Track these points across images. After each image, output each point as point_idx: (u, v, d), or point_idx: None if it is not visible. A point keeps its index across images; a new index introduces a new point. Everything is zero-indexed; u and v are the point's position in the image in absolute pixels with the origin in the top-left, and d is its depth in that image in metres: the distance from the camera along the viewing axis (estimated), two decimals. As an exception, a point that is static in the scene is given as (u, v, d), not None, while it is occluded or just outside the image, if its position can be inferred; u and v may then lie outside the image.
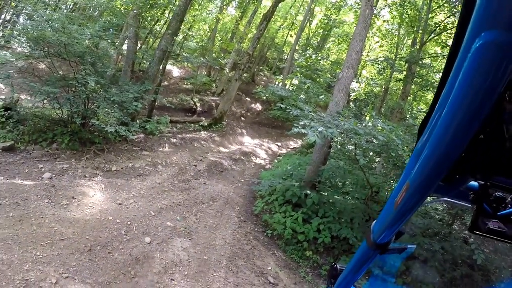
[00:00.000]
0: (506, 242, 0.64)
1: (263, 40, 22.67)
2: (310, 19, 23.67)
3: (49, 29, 9.12)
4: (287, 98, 11.61)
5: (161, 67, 12.69)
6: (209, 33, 24.28)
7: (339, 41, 20.41)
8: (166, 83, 17.53)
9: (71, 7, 21.77)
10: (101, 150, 9.19)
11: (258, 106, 19.96)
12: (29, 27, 9.67)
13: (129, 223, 5.75)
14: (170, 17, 14.03)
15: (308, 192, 7.82)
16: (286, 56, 30.30)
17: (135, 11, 12.69)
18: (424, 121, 0.77)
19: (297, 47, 23.60)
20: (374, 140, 6.75)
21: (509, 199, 0.67)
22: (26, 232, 4.68)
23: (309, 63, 15.30)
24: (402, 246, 1.10)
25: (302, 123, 6.23)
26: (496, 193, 0.67)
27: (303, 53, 24.44)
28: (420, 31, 14.21)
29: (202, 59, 17.78)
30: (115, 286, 4.21)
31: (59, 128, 9.40)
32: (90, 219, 5.60)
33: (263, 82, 24.64)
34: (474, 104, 0.53)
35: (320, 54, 19.60)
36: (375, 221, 1.07)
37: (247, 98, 19.52)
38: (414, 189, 0.72)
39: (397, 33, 17.20)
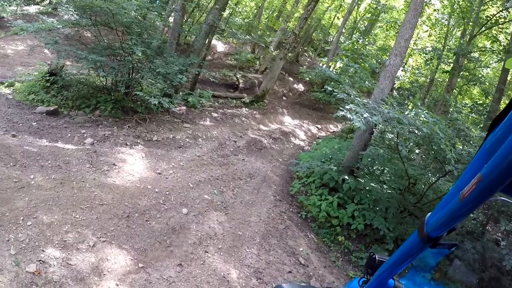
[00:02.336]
0: None
1: (309, 21, 22.07)
2: (359, 2, 22.90)
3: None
4: (335, 81, 11.30)
5: (206, 41, 12.64)
6: (255, 10, 24.01)
7: (387, 27, 19.64)
8: (210, 57, 17.49)
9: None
10: (143, 120, 9.31)
11: (300, 87, 19.65)
12: None
13: (167, 193, 5.80)
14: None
15: (346, 177, 7.62)
16: (331, 39, 29.60)
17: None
18: (499, 117, 0.76)
19: (343, 30, 22.95)
20: (417, 131, 6.45)
21: None
22: (67, 194, 4.79)
23: (355, 47, 14.83)
24: (453, 242, 1.06)
25: (348, 107, 6.01)
26: None
27: (350, 37, 23.79)
28: (470, 24, 13.55)
29: (247, 36, 17.63)
30: (151, 254, 4.26)
31: (103, 96, 9.59)
32: (130, 186, 5.69)
33: (307, 63, 24.19)
34: None
35: (367, 39, 18.97)
36: (429, 213, 1.04)
37: (290, 78, 19.22)
38: (487, 182, 0.71)
39: (446, 23, 16.44)
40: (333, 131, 15.29)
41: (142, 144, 7.93)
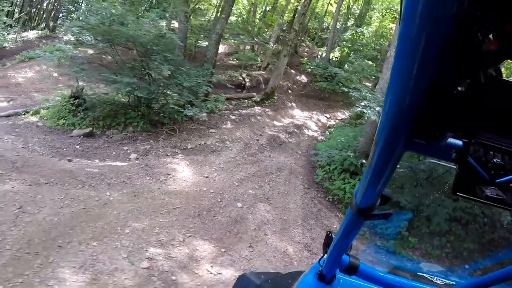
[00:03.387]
0: (503, 208, 0.62)
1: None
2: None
3: (114, 25, 10.37)
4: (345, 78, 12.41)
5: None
6: (248, 7, 24.94)
7: (383, 14, 20.70)
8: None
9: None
10: (172, 130, 10.51)
11: (303, 78, 20.77)
12: (93, 20, 10.76)
13: (220, 192, 7.07)
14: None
15: (364, 161, 8.87)
16: (326, 25, 30.63)
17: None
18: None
19: (338, 17, 23.98)
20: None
21: (508, 166, 0.63)
22: (144, 204, 6.04)
23: (354, 37, 16.00)
24: (387, 211, 1.03)
25: (363, 104, 7.26)
26: (490, 156, 0.63)
27: (345, 23, 24.84)
28: None
29: (252, 39, 18.78)
30: (226, 241, 5.53)
31: (131, 112, 10.72)
32: (189, 190, 6.96)
33: (305, 53, 25.26)
34: (418, 40, 0.47)
35: (364, 28, 20.04)
36: (357, 186, 1.03)
37: (292, 71, 20.24)
38: (381, 145, 0.70)
39: None
40: (342, 119, 16.43)
41: (180, 153, 9.17)
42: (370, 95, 8.07)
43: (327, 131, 13.88)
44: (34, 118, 11.12)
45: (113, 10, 10.56)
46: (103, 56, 13.52)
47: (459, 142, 0.69)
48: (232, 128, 11.72)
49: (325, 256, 1.54)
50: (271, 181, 8.33)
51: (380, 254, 6.83)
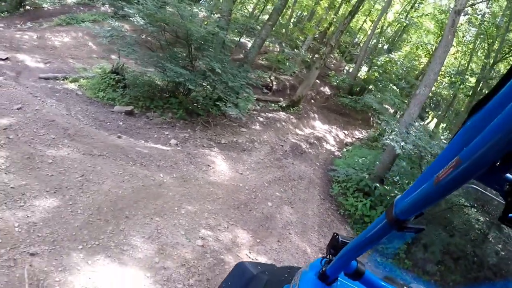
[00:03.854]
0: None
1: (337, 24, 23.93)
2: (388, 10, 24.62)
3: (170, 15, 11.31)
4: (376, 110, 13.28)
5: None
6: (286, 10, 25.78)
7: (416, 47, 21.60)
8: (241, 56, 19.53)
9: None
10: (207, 123, 11.56)
11: (327, 90, 21.82)
12: (152, 6, 11.58)
13: (254, 190, 8.21)
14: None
15: (377, 185, 9.99)
16: (356, 40, 31.60)
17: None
18: (481, 101, 0.77)
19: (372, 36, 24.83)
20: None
21: None
22: (193, 190, 7.16)
23: (386, 64, 17.08)
24: (420, 226, 1.07)
25: (391, 137, 8.39)
26: None
27: (377, 45, 25.73)
28: (495, 47, 15.37)
29: (277, 41, 19.74)
30: (260, 233, 6.67)
31: (171, 99, 11.68)
32: (228, 184, 8.11)
33: (332, 65, 26.29)
34: None
35: (397, 56, 20.99)
36: (399, 195, 1.08)
37: (317, 81, 21.15)
38: (466, 165, 0.72)
39: (472, 40, 18.24)
40: (359, 138, 17.52)
41: (216, 147, 10.27)
42: (396, 129, 9.20)
43: (344, 148, 14.99)
44: (73, 86, 11.91)
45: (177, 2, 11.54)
46: (149, 39, 14.42)
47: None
48: (260, 130, 12.84)
49: (329, 257, 1.66)
50: (293, 187, 9.45)
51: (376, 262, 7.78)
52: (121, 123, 10.18)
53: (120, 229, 5.24)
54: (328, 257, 1.68)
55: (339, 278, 1.72)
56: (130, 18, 13.54)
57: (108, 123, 9.93)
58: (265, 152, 11.14)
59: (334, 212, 9.55)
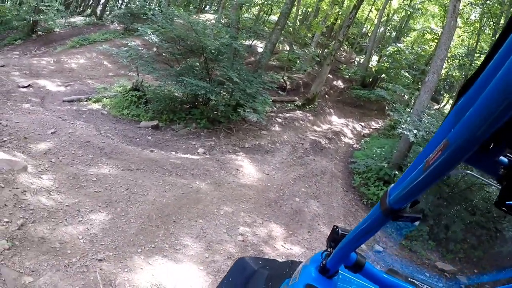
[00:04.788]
0: None
1: (343, 16, 24.46)
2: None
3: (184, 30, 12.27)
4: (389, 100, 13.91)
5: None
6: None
7: (424, 33, 22.03)
8: (252, 58, 20.25)
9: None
10: (229, 129, 12.44)
11: (340, 84, 22.52)
12: (167, 24, 12.51)
13: (281, 188, 9.07)
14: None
15: (396, 172, 10.72)
16: (364, 30, 32.14)
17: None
18: (469, 82, 0.73)
19: (379, 25, 25.30)
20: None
21: None
22: (228, 193, 8.06)
23: (395, 53, 17.75)
24: (416, 215, 1.03)
25: (404, 126, 9.14)
26: None
27: (385, 34, 26.25)
28: (501, 24, 15.74)
29: (286, 41, 20.47)
30: (291, 226, 7.52)
31: (194, 110, 12.58)
32: (257, 185, 8.98)
33: (343, 58, 26.93)
34: None
35: (406, 43, 21.53)
36: (392, 185, 1.07)
37: (329, 75, 21.63)
38: (454, 147, 0.69)
39: (477, 20, 18.52)
40: (376, 128, 18.13)
41: (241, 151, 11.15)
42: (409, 118, 9.94)
43: (362, 140, 15.67)
44: (97, 106, 12.90)
45: (190, 18, 12.48)
46: (164, 54, 15.24)
47: (505, 160, 0.74)
48: (279, 131, 13.67)
49: (329, 250, 1.62)
50: (317, 182, 10.25)
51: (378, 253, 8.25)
52: (149, 137, 11.09)
53: (170, 232, 6.12)
54: (328, 250, 1.66)
55: (340, 271, 1.72)
56: (145, 37, 14.47)
57: (138, 139, 10.85)
58: (287, 152, 11.96)
59: (358, 202, 10.30)
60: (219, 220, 6.87)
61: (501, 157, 0.75)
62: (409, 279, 2.10)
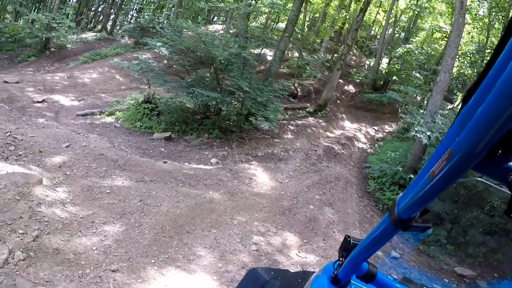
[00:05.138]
0: None
1: (350, 20, 24.44)
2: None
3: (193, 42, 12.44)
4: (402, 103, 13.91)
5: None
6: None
7: (433, 32, 21.93)
8: (262, 67, 20.21)
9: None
10: (242, 138, 12.49)
11: (351, 88, 22.45)
12: (176, 37, 12.82)
13: (295, 196, 9.04)
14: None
15: (411, 176, 10.61)
16: (373, 33, 32.06)
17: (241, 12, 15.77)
18: (472, 88, 0.71)
19: (388, 26, 25.21)
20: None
21: None
22: (241, 203, 8.06)
23: (405, 55, 17.68)
24: (426, 224, 1.02)
25: (417, 129, 9.07)
26: None
27: (394, 35, 26.15)
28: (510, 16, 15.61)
29: (296, 48, 20.52)
30: (306, 234, 7.48)
31: (206, 120, 12.69)
32: (271, 193, 8.97)
33: (353, 62, 26.91)
34: None
35: (415, 44, 21.46)
36: (401, 194, 1.04)
37: (340, 80, 21.54)
38: (459, 156, 0.68)
39: (486, 15, 18.41)
40: (389, 131, 18.02)
41: (253, 160, 11.17)
42: (422, 120, 9.86)
43: (376, 144, 15.59)
44: (110, 119, 13.09)
45: (198, 30, 12.63)
46: (174, 66, 15.47)
47: None
48: (292, 138, 13.66)
49: (341, 260, 1.60)
50: (331, 189, 10.20)
51: (392, 263, 8.01)
52: (162, 149, 11.20)
53: (183, 242, 6.13)
54: (340, 260, 1.64)
55: (352, 282, 1.69)
56: (155, 50, 14.70)
57: (151, 151, 10.96)
58: (300, 159, 11.94)
59: (373, 208, 10.21)
60: (232, 229, 6.87)
61: (510, 163, 0.73)
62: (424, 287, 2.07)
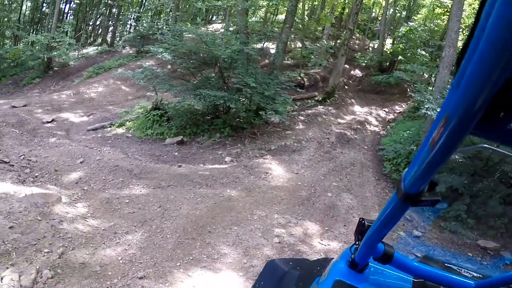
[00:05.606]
0: None
1: (350, 4, 24.25)
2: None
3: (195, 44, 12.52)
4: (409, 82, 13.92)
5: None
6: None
7: (434, 8, 21.67)
8: (266, 61, 20.23)
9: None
10: (253, 134, 12.55)
11: (358, 73, 22.35)
12: (176, 42, 12.96)
13: (312, 185, 9.09)
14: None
15: (427, 153, 10.58)
16: (374, 15, 31.84)
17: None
18: (462, 51, 0.68)
19: (388, 6, 25.03)
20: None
21: None
22: (259, 197, 8.14)
23: (408, 33, 17.57)
24: (435, 198, 1.00)
25: (427, 106, 9.04)
26: None
27: (395, 14, 25.92)
28: None
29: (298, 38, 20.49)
30: (326, 222, 7.54)
31: (216, 120, 12.79)
32: (288, 185, 9.03)
33: (357, 46, 26.73)
34: None
35: (417, 22, 21.26)
36: (406, 168, 1.01)
37: (346, 65, 21.35)
38: (454, 121, 0.67)
39: None
40: (400, 112, 17.90)
41: (267, 154, 11.23)
42: (431, 96, 9.82)
43: (388, 126, 15.51)
44: (121, 130, 13.25)
45: (198, 31, 12.74)
46: (178, 70, 15.55)
47: None
48: (303, 128, 13.70)
49: (358, 243, 1.60)
50: (348, 175, 10.23)
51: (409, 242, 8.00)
52: (176, 153, 11.33)
53: (206, 242, 6.23)
54: (356, 243, 1.64)
55: (371, 264, 1.69)
56: (158, 56, 14.83)
57: (165, 156, 11.10)
58: (313, 148, 11.97)
59: (391, 189, 10.19)
60: (253, 224, 6.95)
61: None
62: (446, 265, 2.10)
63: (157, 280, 5.15)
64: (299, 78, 18.80)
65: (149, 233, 6.31)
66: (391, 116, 17.31)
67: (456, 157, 9.98)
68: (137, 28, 28.58)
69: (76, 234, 5.81)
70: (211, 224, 6.79)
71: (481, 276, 1.94)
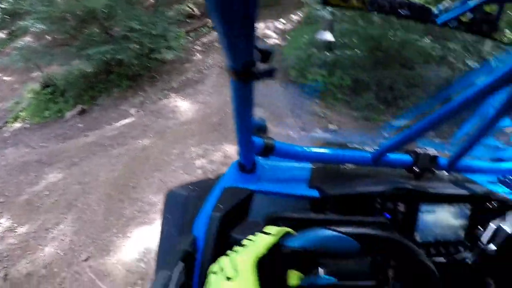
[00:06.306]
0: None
1: None
2: None
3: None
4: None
5: None
6: None
7: None
8: (152, 0, 19.26)
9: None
10: (152, 78, 11.96)
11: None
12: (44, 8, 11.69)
13: (221, 108, 8.93)
14: None
15: (327, 53, 10.79)
16: None
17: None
18: None
19: None
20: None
21: None
22: (172, 137, 7.97)
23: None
24: (271, 67, 0.81)
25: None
26: None
27: None
28: None
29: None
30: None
31: (110, 76, 12.23)
32: (197, 116, 8.91)
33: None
34: None
35: None
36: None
37: None
38: None
39: None
40: (299, 21, 17.78)
41: (171, 92, 10.92)
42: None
43: (287, 36, 15.50)
44: (18, 124, 11.74)
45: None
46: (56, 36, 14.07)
47: None
48: (202, 57, 13.30)
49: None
50: (255, 88, 10.25)
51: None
52: (80, 124, 10.59)
53: (133, 198, 6.12)
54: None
55: (260, 161, 1.63)
56: (32, 29, 13.32)
57: (70, 132, 10.39)
58: (216, 74, 11.69)
59: (300, 94, 10.39)
60: (173, 165, 6.86)
61: None
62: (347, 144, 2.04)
63: (101, 255, 5.08)
64: (188, 8, 18.15)
65: (78, 214, 6.07)
66: (289, 26, 17.24)
67: (357, 52, 10.23)
68: (1, 6, 25.43)
69: (10, 250, 5.54)
70: (132, 179, 6.62)
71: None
